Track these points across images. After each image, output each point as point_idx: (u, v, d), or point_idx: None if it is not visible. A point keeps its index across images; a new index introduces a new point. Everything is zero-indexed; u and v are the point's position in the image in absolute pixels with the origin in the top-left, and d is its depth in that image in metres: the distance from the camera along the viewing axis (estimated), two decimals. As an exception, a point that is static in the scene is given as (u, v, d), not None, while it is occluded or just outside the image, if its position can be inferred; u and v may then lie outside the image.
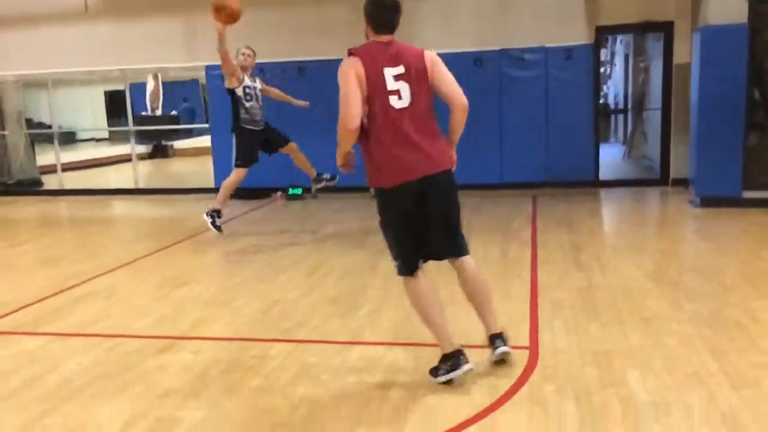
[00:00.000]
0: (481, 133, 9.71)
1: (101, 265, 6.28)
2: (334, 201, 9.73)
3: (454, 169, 3.64)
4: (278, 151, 7.84)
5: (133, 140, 11.78)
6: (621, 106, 15.20)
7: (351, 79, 3.40)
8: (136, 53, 10.57)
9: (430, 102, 3.53)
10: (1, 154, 12.30)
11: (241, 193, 10.25)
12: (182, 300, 5.14)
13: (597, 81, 9.84)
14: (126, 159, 13.40)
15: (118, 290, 5.49)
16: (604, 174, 10.06)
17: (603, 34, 9.62)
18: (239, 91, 7.32)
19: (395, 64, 3.41)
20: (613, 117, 16.08)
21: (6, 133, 12.08)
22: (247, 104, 7.33)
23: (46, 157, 13.05)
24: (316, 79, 10.12)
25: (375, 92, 3.37)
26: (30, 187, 12.15)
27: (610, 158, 13.00)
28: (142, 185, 11.80)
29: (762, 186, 7.68)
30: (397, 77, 3.39)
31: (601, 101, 18.13)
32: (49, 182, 12.27)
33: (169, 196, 10.94)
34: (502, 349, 3.49)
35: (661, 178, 9.73)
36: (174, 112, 19.03)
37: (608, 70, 16.36)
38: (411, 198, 3.39)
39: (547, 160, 9.74)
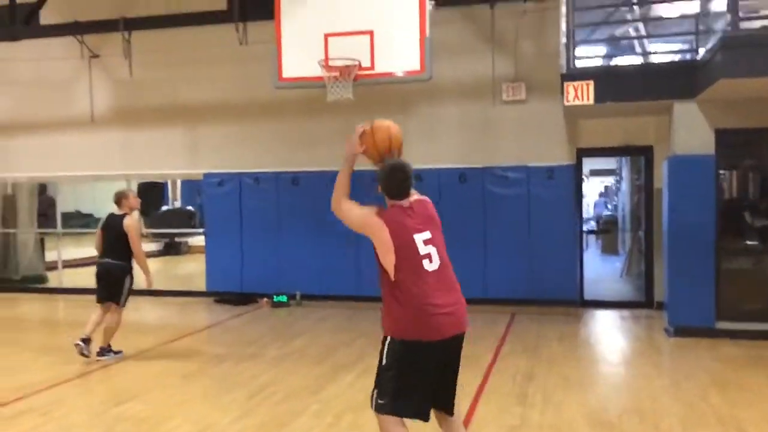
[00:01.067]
0: (465, 248, 9.81)
1: (57, 375, 6.39)
2: (320, 308, 9.79)
3: None
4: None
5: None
6: (627, 220, 15.25)
7: (367, 213, 3.63)
8: (141, 160, 11.09)
9: (449, 262, 3.65)
10: (11, 251, 12.79)
11: (227, 298, 10.49)
12: (117, 419, 5.18)
13: (579, 200, 9.95)
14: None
15: (61, 405, 5.55)
16: (600, 291, 9.99)
17: (584, 155, 9.79)
18: None
19: (423, 227, 3.59)
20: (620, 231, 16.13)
21: (17, 231, 12.59)
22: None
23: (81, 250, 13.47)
24: (309, 189, 10.45)
25: (406, 258, 3.47)
26: (34, 283, 12.51)
27: (613, 273, 12.94)
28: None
29: (736, 316, 7.53)
30: (426, 242, 3.54)
31: (609, 214, 18.35)
32: (54, 279, 12.64)
33: (170, 298, 11.04)
34: None
35: (645, 301, 9.61)
36: (190, 207, 19.19)
37: (618, 184, 16.59)
38: (436, 354, 3.42)
39: (530, 277, 9.73)
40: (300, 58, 8.04)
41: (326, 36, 8.02)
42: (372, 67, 7.97)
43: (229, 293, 10.61)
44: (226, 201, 10.79)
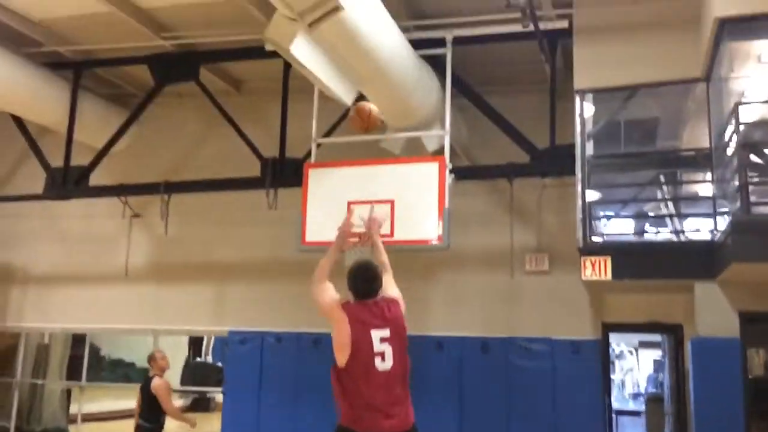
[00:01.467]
0: (486, 422, 9.45)
1: None
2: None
3: None
4: None
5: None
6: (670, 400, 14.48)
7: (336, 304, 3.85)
8: (169, 315, 11.29)
9: (406, 362, 3.80)
10: (37, 401, 12.84)
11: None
12: None
13: (606, 378, 9.55)
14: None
15: None
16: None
17: (610, 330, 9.53)
18: None
19: (381, 325, 3.70)
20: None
21: (44, 382, 12.70)
22: None
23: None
24: (329, 351, 10.34)
25: (360, 354, 3.65)
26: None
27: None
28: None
29: None
30: (384, 339, 3.69)
31: (653, 392, 17.42)
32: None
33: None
34: None
35: (681, 491, 8.87)
36: (219, 363, 19.09)
37: (663, 359, 15.95)
38: None
39: (557, 458, 9.18)
40: (323, 224, 8.30)
41: (349, 203, 8.33)
42: (391, 234, 8.17)
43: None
44: (247, 359, 10.74)
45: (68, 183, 10.33)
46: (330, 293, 3.78)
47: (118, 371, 18.36)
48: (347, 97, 7.55)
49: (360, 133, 8.42)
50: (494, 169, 9.15)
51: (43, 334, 12.87)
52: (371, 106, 8.19)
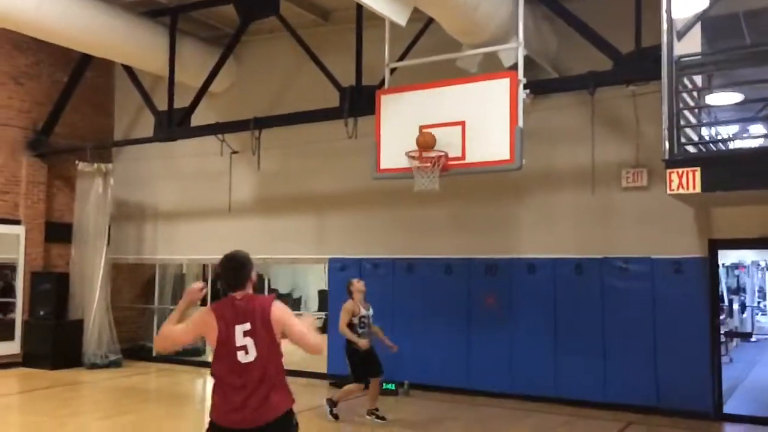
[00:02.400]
0: (581, 345, 9.17)
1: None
2: (436, 403, 9.49)
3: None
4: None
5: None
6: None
7: (195, 322, 3.74)
8: (276, 245, 11.87)
9: (276, 356, 3.71)
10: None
11: (338, 382, 10.60)
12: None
13: (714, 299, 8.79)
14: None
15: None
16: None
17: (718, 247, 8.71)
18: (355, 320, 8.12)
19: (241, 320, 3.68)
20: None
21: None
22: (360, 331, 8.10)
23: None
24: (422, 275, 10.43)
25: (224, 348, 3.67)
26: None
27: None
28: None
29: None
30: (246, 332, 3.66)
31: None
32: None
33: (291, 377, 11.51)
34: None
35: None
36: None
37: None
38: None
39: (657, 382, 8.72)
40: (396, 151, 8.20)
41: (420, 128, 8.16)
42: (463, 157, 7.94)
43: (339, 376, 10.75)
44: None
45: (172, 125, 10.98)
46: (182, 327, 3.79)
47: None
48: (400, 18, 7.28)
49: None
50: (574, 79, 8.48)
51: (181, 265, 14.03)
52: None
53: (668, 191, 7.06)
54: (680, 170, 7.01)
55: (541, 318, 9.50)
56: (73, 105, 13.36)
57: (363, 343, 8.12)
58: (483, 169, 7.95)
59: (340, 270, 11.21)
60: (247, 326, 3.67)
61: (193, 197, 12.83)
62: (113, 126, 14.35)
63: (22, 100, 12.80)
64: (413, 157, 7.92)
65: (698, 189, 6.92)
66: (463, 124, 7.94)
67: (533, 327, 9.54)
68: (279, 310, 3.77)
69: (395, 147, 8.21)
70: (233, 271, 3.82)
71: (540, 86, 8.18)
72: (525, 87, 7.77)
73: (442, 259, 10.30)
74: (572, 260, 9.39)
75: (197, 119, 11.13)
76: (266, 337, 3.67)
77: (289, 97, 11.46)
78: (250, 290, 3.83)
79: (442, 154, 7.82)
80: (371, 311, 8.40)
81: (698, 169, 6.93)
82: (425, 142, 7.73)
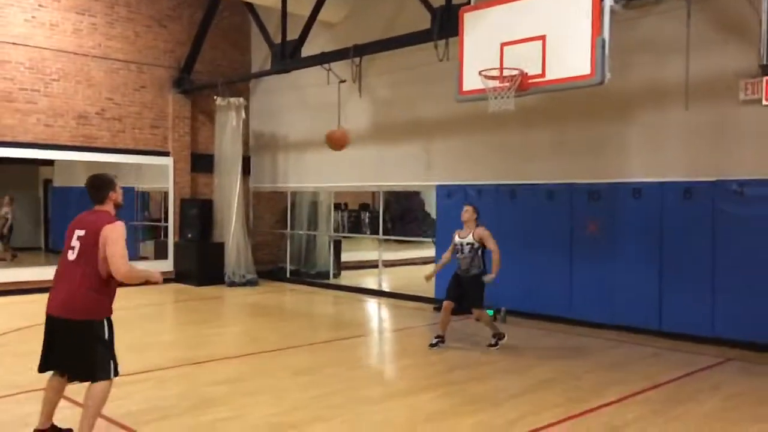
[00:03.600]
0: (689, 276, 8.50)
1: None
2: (531, 330, 9.38)
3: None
4: (466, 310, 8.34)
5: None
6: None
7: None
8: (388, 172, 12.13)
9: (93, 263, 4.40)
10: (311, 250, 15.06)
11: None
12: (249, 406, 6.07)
13: None
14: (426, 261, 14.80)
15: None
16: None
17: None
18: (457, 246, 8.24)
19: (81, 228, 4.47)
20: None
21: (317, 233, 14.77)
22: (456, 255, 8.20)
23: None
24: (524, 202, 10.16)
25: (65, 244, 4.52)
26: (324, 279, 14.49)
27: None
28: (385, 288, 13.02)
29: None
30: (78, 237, 4.44)
31: None
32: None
33: (401, 301, 11.90)
34: None
35: None
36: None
37: None
38: (47, 324, 4.55)
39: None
40: (478, 71, 7.96)
41: (502, 45, 7.83)
42: (543, 74, 7.53)
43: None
44: (454, 211, 11.05)
45: (285, 57, 11.44)
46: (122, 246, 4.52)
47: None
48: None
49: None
50: None
51: (316, 193, 14.79)
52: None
53: (764, 101, 6.23)
54: (777, 77, 6.14)
55: (645, 246, 8.89)
56: (212, 43, 14.37)
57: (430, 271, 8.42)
58: (563, 86, 7.49)
59: (447, 197, 11.21)
60: (82, 233, 4.43)
61: (317, 127, 13.34)
62: (250, 61, 15.21)
63: (166, 41, 13.97)
64: (488, 77, 7.67)
65: (800, 98, 6.04)
66: (543, 38, 7.50)
67: (637, 256, 8.95)
68: (108, 230, 4.38)
69: (478, 67, 7.95)
70: (92, 190, 4.61)
71: (633, -9, 7.40)
72: (613, -6, 7.12)
73: (544, 185, 9.92)
74: (681, 184, 8.60)
75: (318, 49, 11.43)
76: (91, 245, 4.37)
77: (400, 23, 11.37)
78: (108, 207, 4.58)
79: (518, 72, 7.49)
80: (467, 239, 8.19)
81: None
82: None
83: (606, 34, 7.06)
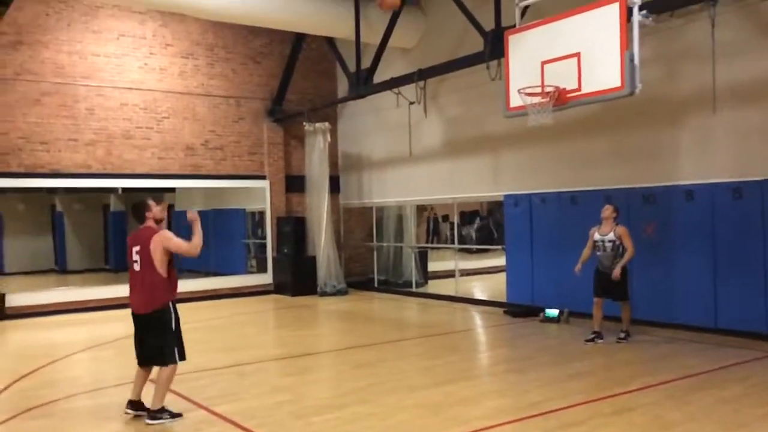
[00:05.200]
0: (741, 274, 8.72)
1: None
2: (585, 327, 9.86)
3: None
4: (615, 300, 8.85)
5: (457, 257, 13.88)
6: None
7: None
8: (460, 185, 12.89)
9: (152, 268, 5.63)
10: (397, 261, 16.01)
11: (513, 309, 11.34)
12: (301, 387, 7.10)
13: None
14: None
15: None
16: None
17: None
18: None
19: (135, 244, 5.70)
20: None
21: (403, 245, 15.71)
22: (597, 252, 8.88)
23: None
24: (585, 207, 10.57)
25: (128, 259, 5.79)
26: (413, 288, 15.33)
27: None
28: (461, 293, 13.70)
29: None
30: (137, 252, 5.68)
31: None
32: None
33: (472, 306, 12.59)
34: None
35: None
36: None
37: None
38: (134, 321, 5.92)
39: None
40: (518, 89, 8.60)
41: (542, 63, 8.46)
42: (579, 89, 8.09)
43: (520, 305, 11.45)
44: (519, 219, 11.67)
45: (360, 83, 12.51)
46: (176, 241, 5.75)
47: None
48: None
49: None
50: None
51: (402, 207, 15.75)
52: None
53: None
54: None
55: (699, 246, 9.13)
56: (302, 73, 15.76)
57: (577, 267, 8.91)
58: (596, 99, 8.00)
59: (514, 206, 11.81)
60: (138, 248, 5.66)
61: (395, 146, 14.35)
62: (336, 89, 16.45)
63: (260, 75, 15.48)
64: (528, 94, 8.31)
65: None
66: (578, 55, 8.06)
67: (692, 256, 9.21)
68: (158, 237, 5.64)
69: (522, 85, 8.61)
70: (134, 214, 5.85)
71: (655, 6, 7.82)
72: (641, 9, 7.61)
73: (602, 191, 10.33)
74: (731, 184, 8.81)
75: (396, 73, 12.35)
76: (146, 256, 5.60)
77: (467, 44, 12.13)
78: (149, 223, 5.75)
79: (554, 89, 8.08)
80: (609, 236, 8.69)
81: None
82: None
83: (635, 48, 7.54)
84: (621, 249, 8.64)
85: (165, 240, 5.65)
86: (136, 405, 5.91)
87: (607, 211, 8.83)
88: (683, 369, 7.10)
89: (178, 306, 5.87)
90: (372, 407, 6.06)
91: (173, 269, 5.77)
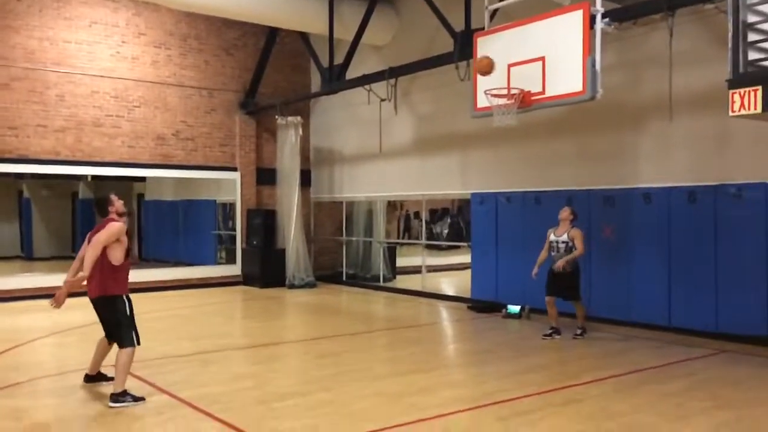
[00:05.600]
0: (693, 275, 9.07)
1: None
2: (563, 329, 10.11)
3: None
4: (566, 299, 9.05)
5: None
6: None
7: None
8: (429, 182, 13.13)
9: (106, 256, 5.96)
10: (366, 256, 16.19)
11: (477, 305, 11.61)
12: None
13: (836, 225, 8.01)
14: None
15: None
16: None
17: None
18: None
19: (94, 234, 6.07)
20: None
21: (372, 240, 15.89)
22: (552, 253, 9.10)
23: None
24: (548, 207, 10.85)
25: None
26: (381, 282, 15.53)
27: None
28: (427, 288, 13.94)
29: None
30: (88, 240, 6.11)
31: None
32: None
33: (438, 301, 12.86)
34: None
35: None
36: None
37: None
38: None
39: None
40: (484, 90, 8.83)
41: (509, 66, 8.69)
42: (543, 92, 8.34)
43: (484, 301, 11.71)
44: (486, 218, 11.94)
45: (332, 79, 12.65)
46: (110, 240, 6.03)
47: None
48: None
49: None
50: (648, 4, 8.21)
51: (372, 202, 15.91)
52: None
53: (730, 113, 6.83)
54: (742, 90, 6.74)
55: (655, 248, 9.47)
56: (274, 67, 15.83)
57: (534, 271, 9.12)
58: (558, 102, 8.27)
59: (480, 203, 12.07)
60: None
61: (366, 141, 14.52)
62: (310, 83, 16.55)
63: (233, 67, 15.51)
64: (493, 96, 8.54)
65: (759, 109, 6.63)
66: (543, 59, 8.31)
67: (648, 257, 9.55)
68: (102, 232, 5.95)
69: (489, 86, 8.83)
70: (97, 207, 6.17)
71: (617, 14, 8.11)
72: (603, 16, 7.88)
73: (565, 191, 10.63)
74: (687, 188, 9.16)
75: (368, 70, 12.52)
76: (92, 244, 5.91)
77: (438, 44, 12.32)
78: (112, 215, 6.07)
79: (519, 91, 8.32)
80: (563, 237, 8.95)
81: (759, 88, 6.61)
82: (482, 68, 8.31)
83: (597, 54, 7.82)
84: (574, 251, 8.88)
85: (117, 229, 5.99)
86: (92, 378, 6.44)
87: (565, 212, 9.09)
88: (633, 364, 7.41)
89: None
90: (333, 395, 6.24)
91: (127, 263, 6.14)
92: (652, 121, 9.61)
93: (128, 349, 5.94)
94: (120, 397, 5.82)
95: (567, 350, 8.35)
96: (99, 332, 6.40)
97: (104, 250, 5.87)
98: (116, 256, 5.94)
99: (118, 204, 6.19)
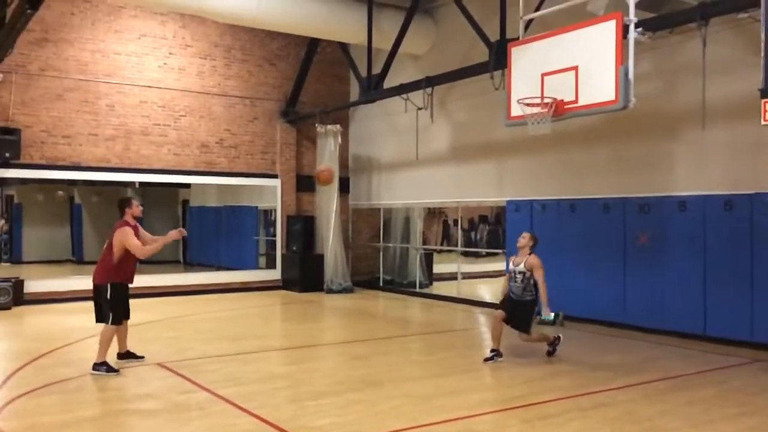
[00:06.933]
0: (728, 283, 9.03)
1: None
2: (585, 333, 10.10)
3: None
4: (516, 329, 8.29)
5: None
6: None
7: None
8: (465, 190, 13.27)
9: (111, 251, 7.13)
10: (403, 262, 16.39)
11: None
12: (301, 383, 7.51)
13: None
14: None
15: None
16: None
17: None
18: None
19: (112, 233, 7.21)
20: None
21: (409, 246, 16.09)
22: (510, 283, 8.32)
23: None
24: (583, 214, 10.92)
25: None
26: (418, 288, 15.70)
27: None
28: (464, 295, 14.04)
29: None
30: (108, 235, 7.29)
31: None
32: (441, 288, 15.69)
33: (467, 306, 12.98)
34: None
35: None
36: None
37: None
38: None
39: (806, 323, 8.26)
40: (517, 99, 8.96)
41: (542, 75, 8.82)
42: (576, 101, 8.44)
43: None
44: (521, 225, 11.99)
45: (370, 88, 12.91)
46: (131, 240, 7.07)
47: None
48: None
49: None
50: (681, 14, 8.24)
51: (409, 209, 16.12)
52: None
53: (762, 122, 6.84)
54: (776, 99, 6.75)
55: (690, 256, 9.45)
56: (315, 76, 16.19)
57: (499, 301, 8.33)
58: (591, 111, 8.32)
59: (515, 211, 12.17)
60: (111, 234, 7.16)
61: (403, 149, 14.75)
62: (349, 92, 16.87)
63: (275, 77, 15.93)
64: (527, 105, 8.67)
65: (791, 119, 6.63)
66: (576, 68, 8.41)
67: (684, 265, 9.53)
68: (118, 232, 7.05)
69: (523, 95, 8.97)
70: (118, 206, 7.12)
71: (650, 24, 8.17)
72: (637, 26, 7.95)
73: (601, 199, 10.66)
74: (722, 197, 9.12)
75: (406, 79, 12.72)
76: (110, 241, 7.12)
77: (475, 53, 12.48)
78: (127, 217, 7.03)
79: (552, 100, 8.43)
80: (520, 267, 8.10)
81: (791, 98, 6.62)
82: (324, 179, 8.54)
83: (630, 63, 7.89)
84: (532, 282, 8.02)
85: (122, 235, 6.92)
86: (122, 356, 7.57)
87: (523, 239, 8.26)
88: (664, 371, 7.45)
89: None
90: (364, 395, 6.46)
91: (131, 261, 7.18)
92: (687, 129, 9.61)
93: (108, 327, 7.07)
94: (98, 366, 7.02)
95: (599, 357, 8.41)
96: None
97: (111, 247, 6.96)
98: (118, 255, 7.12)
99: (136, 209, 7.13)
